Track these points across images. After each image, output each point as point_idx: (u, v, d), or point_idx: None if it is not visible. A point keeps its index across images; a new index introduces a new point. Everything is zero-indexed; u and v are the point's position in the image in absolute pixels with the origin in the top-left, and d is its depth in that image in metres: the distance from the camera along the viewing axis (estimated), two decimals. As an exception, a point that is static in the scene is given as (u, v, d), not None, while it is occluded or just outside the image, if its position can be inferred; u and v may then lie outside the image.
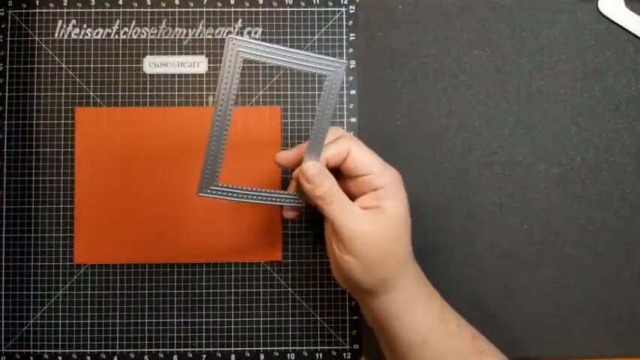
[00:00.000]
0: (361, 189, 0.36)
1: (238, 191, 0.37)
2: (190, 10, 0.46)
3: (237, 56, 0.33)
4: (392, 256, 0.36)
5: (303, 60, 0.34)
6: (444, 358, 0.36)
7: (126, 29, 0.46)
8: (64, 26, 0.46)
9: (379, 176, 0.36)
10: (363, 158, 0.36)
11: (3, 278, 0.44)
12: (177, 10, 0.46)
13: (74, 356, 0.44)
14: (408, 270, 0.37)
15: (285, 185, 0.45)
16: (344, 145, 0.36)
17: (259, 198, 0.37)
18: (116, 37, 0.46)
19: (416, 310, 0.36)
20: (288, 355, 0.44)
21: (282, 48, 0.33)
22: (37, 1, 0.46)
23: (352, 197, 0.37)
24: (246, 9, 0.46)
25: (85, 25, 0.46)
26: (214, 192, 0.36)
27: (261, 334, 0.44)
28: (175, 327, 0.44)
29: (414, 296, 0.37)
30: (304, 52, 0.33)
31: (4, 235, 0.44)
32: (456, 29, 0.46)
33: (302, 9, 0.46)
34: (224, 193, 0.36)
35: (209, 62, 0.46)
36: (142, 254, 0.44)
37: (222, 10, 0.46)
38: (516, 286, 0.45)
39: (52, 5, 0.46)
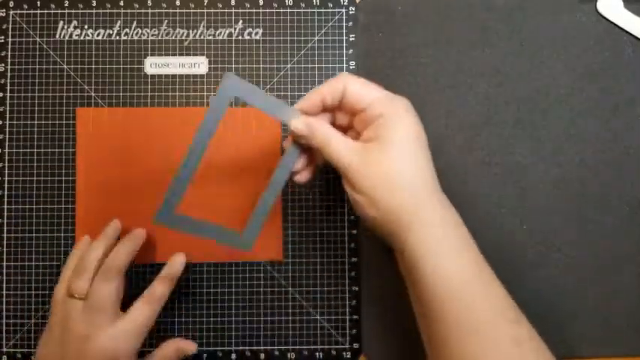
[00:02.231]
0: (364, 123, 0.36)
1: (191, 225, 0.38)
2: (191, 11, 0.46)
3: (227, 92, 0.36)
4: (398, 188, 0.34)
5: (277, 108, 0.37)
6: (475, 328, 0.32)
7: (127, 30, 0.46)
8: (66, 27, 0.46)
9: (378, 106, 0.35)
10: (359, 91, 0.35)
11: (4, 278, 0.44)
12: (178, 11, 0.46)
13: (74, 356, 0.44)
14: (427, 208, 0.34)
15: (285, 185, 0.45)
16: (338, 82, 0.36)
17: (209, 234, 0.38)
18: (117, 37, 0.46)
19: (443, 260, 0.33)
20: (288, 354, 0.44)
21: (264, 94, 0.37)
22: (39, 2, 0.46)
23: (359, 134, 0.36)
24: (246, 10, 0.46)
25: (86, 26, 0.46)
26: (169, 221, 0.37)
27: (262, 333, 0.44)
28: (176, 327, 0.44)
29: (439, 243, 0.33)
30: (282, 102, 0.37)
31: (4, 235, 0.44)
32: (456, 30, 0.46)
33: (302, 10, 0.46)
34: (178, 225, 0.37)
35: (210, 63, 0.46)
36: (142, 254, 0.44)
37: (222, 11, 0.46)
38: (516, 286, 0.45)
39: (53, 6, 0.46)
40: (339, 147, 0.35)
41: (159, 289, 0.40)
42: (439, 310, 0.33)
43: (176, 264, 0.42)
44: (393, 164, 0.34)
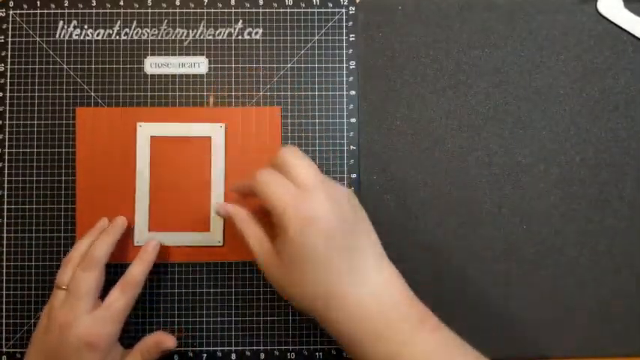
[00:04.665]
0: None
1: (166, 238, 0.44)
2: (191, 10, 0.46)
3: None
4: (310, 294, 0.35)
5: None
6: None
7: (127, 30, 0.46)
8: (65, 27, 0.46)
9: (277, 220, 0.35)
10: (265, 196, 0.36)
11: (4, 278, 0.44)
12: (177, 10, 0.46)
13: (74, 356, 0.44)
14: (340, 307, 0.35)
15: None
16: (248, 184, 0.39)
17: (183, 241, 0.44)
18: (117, 37, 0.46)
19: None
20: (288, 354, 0.44)
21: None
22: (38, 2, 0.46)
23: None
24: (246, 10, 0.46)
25: (86, 26, 0.46)
26: (148, 239, 0.44)
27: (262, 333, 0.44)
28: (176, 327, 0.44)
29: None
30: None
31: (4, 235, 0.44)
32: (456, 29, 0.46)
33: (302, 10, 0.46)
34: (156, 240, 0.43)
35: (209, 63, 0.46)
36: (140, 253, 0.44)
37: (222, 10, 0.46)
38: (516, 286, 0.45)
39: (53, 6, 0.46)
40: (253, 245, 0.38)
41: (133, 275, 0.41)
42: None
43: (149, 247, 0.42)
44: (290, 267, 0.35)
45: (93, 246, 0.41)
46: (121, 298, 0.40)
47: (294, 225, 0.34)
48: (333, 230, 0.35)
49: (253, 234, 0.38)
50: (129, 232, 0.44)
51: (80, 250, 0.41)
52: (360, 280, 0.35)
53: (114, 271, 0.44)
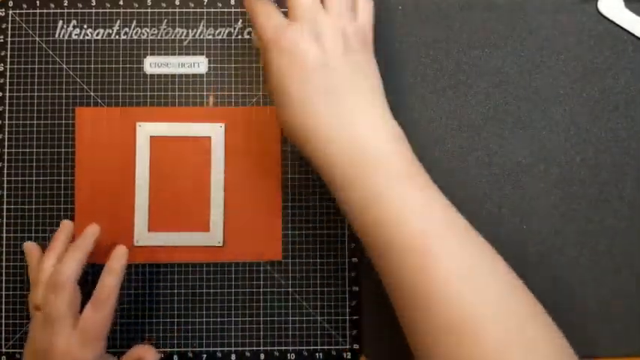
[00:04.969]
0: None
1: (166, 238, 0.44)
2: (191, 10, 0.46)
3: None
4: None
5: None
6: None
7: (126, 29, 0.46)
8: (65, 26, 0.46)
9: (259, 41, 0.35)
10: (250, 18, 0.35)
11: (3, 278, 0.44)
12: (177, 10, 0.46)
13: (74, 356, 0.44)
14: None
15: (285, 185, 0.45)
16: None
17: (183, 241, 0.44)
18: (117, 37, 0.46)
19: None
20: (288, 355, 0.44)
21: None
22: (38, 2, 0.46)
23: None
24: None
25: (85, 26, 0.46)
26: (147, 241, 0.44)
27: (261, 333, 0.44)
28: (175, 327, 0.44)
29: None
30: None
31: (4, 235, 0.44)
32: (456, 29, 0.46)
33: (302, 9, 0.46)
34: (155, 241, 0.44)
35: (209, 62, 0.46)
36: (142, 254, 0.44)
37: (222, 10, 0.46)
38: (516, 286, 0.45)
39: (52, 6, 0.46)
40: (261, 20, 0.35)
41: (104, 288, 0.39)
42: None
43: (118, 254, 0.41)
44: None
45: (61, 263, 0.39)
46: (95, 315, 0.38)
47: (272, 60, 0.33)
48: (310, 70, 0.32)
49: (262, 10, 0.35)
50: (129, 232, 0.44)
51: (47, 270, 0.40)
52: (341, 124, 0.32)
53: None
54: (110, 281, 0.39)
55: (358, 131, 0.32)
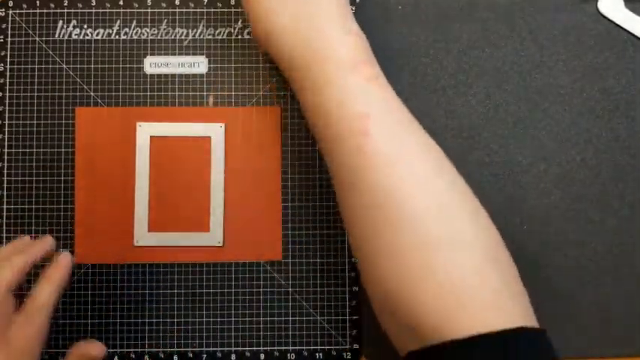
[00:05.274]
0: None
1: (166, 238, 0.44)
2: (191, 10, 0.46)
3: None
4: None
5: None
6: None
7: (126, 29, 0.46)
8: (65, 26, 0.46)
9: None
10: None
11: (3, 278, 0.44)
12: (177, 10, 0.46)
13: (74, 356, 0.44)
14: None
15: (285, 185, 0.45)
16: None
17: (183, 241, 0.44)
18: (117, 37, 0.46)
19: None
20: (288, 355, 0.44)
21: None
22: (38, 2, 0.46)
23: None
24: (246, 9, 0.46)
25: (85, 26, 0.46)
26: (147, 241, 0.44)
27: (261, 334, 0.44)
28: (175, 327, 0.44)
29: None
30: None
31: (4, 235, 0.44)
32: (456, 29, 0.46)
33: (302, 9, 0.46)
34: (155, 241, 0.44)
35: (209, 63, 0.46)
36: (142, 254, 0.44)
37: (222, 10, 0.46)
38: (516, 286, 0.45)
39: (52, 5, 0.46)
40: None
41: (38, 300, 0.35)
42: None
43: (61, 264, 0.37)
44: None
45: (38, 288, 0.35)
46: (25, 329, 0.34)
47: None
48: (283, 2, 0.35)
49: None
50: (129, 232, 0.44)
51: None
52: (305, 16, 0.35)
53: (113, 272, 0.44)
54: (45, 290, 0.35)
55: (318, 24, 0.35)
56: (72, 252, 0.44)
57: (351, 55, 0.35)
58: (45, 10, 0.46)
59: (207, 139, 0.45)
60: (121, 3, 0.46)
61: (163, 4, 0.46)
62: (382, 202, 0.32)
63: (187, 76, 0.46)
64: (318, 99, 0.35)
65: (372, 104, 0.34)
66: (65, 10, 0.46)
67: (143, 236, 0.44)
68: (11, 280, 0.35)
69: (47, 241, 0.39)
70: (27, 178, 0.45)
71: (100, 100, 0.45)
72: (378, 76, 0.35)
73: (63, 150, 0.45)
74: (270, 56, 0.38)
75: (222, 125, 0.45)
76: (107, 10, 0.46)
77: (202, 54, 0.46)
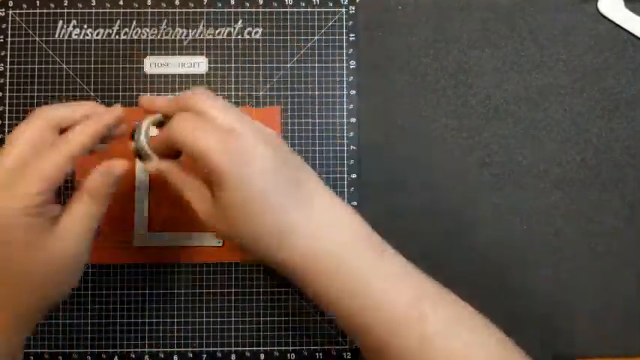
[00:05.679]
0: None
1: (166, 238, 0.44)
2: (191, 10, 0.46)
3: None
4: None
5: None
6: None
7: (126, 29, 0.46)
8: (65, 26, 0.46)
9: (200, 157, 0.32)
10: (181, 141, 0.32)
11: (3, 278, 0.44)
12: (177, 10, 0.46)
13: (75, 356, 0.44)
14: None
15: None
16: (164, 138, 0.34)
17: (183, 242, 0.44)
18: (117, 37, 0.46)
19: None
20: (288, 355, 0.44)
21: None
22: (38, 2, 0.46)
23: None
24: (246, 9, 0.46)
25: (85, 26, 0.46)
26: (146, 241, 0.44)
27: (261, 334, 0.44)
28: (175, 327, 0.44)
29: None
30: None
31: (4, 235, 0.44)
32: (456, 29, 0.46)
33: (302, 9, 0.46)
34: (154, 242, 0.44)
35: (209, 63, 0.46)
36: (142, 254, 0.44)
37: (222, 10, 0.46)
38: (516, 286, 0.45)
39: (52, 5, 0.46)
40: (194, 199, 0.34)
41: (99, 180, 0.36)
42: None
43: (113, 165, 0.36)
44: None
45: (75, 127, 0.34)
46: (90, 207, 0.36)
47: (227, 170, 0.31)
48: (271, 167, 0.32)
49: (191, 186, 0.34)
50: (129, 232, 0.44)
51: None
52: (309, 214, 0.33)
53: (113, 271, 0.44)
54: (103, 175, 0.36)
55: (328, 218, 0.34)
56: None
57: (372, 241, 0.34)
58: (45, 10, 0.46)
59: (207, 139, 0.45)
60: (121, 3, 0.46)
61: (163, 4, 0.46)
62: None
63: (187, 76, 0.46)
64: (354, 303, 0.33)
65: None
66: (65, 10, 0.46)
67: (143, 236, 0.44)
68: (87, 145, 0.35)
69: (117, 110, 0.37)
70: (27, 178, 0.45)
71: (100, 100, 0.45)
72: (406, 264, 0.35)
73: (63, 150, 0.45)
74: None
75: None
76: (107, 10, 0.46)
77: (202, 54, 0.46)
